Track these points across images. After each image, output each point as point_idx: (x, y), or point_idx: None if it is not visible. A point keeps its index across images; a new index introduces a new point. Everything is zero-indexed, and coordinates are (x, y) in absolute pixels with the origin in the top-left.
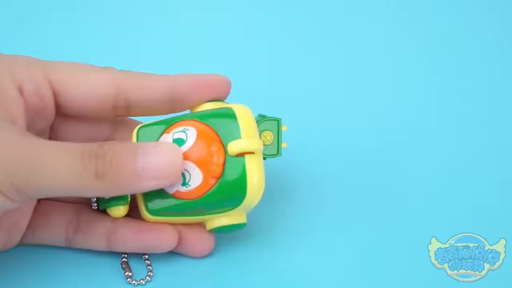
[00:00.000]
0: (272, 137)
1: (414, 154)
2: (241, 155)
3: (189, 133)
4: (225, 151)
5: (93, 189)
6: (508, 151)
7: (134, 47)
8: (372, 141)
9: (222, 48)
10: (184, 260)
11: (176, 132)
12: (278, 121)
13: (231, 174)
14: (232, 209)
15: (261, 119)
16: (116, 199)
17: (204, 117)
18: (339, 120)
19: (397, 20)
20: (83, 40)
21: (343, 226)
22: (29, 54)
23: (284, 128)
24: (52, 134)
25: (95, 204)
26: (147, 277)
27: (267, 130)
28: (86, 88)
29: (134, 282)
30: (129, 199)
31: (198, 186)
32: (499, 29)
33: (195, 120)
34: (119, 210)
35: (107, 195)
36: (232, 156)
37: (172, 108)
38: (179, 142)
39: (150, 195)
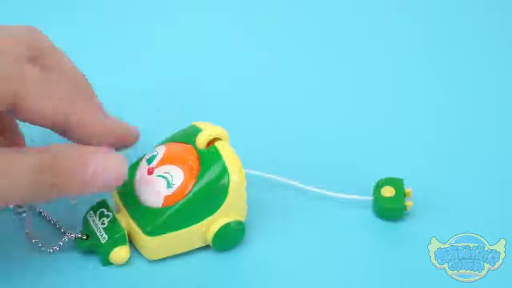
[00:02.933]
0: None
1: (414, 154)
2: (211, 144)
3: (159, 149)
4: (196, 148)
5: (48, 198)
6: (508, 151)
7: (134, 47)
8: (370, 142)
9: (222, 48)
10: (183, 258)
11: (147, 154)
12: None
13: (209, 161)
14: (224, 197)
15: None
16: (114, 241)
17: (169, 139)
18: (338, 121)
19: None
20: (84, 40)
21: (344, 225)
22: None
23: (408, 191)
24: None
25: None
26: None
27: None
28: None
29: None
30: (126, 238)
31: (182, 184)
32: (499, 29)
33: (163, 144)
34: (120, 254)
35: (59, 198)
36: (203, 149)
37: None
38: (151, 158)
39: (141, 219)
